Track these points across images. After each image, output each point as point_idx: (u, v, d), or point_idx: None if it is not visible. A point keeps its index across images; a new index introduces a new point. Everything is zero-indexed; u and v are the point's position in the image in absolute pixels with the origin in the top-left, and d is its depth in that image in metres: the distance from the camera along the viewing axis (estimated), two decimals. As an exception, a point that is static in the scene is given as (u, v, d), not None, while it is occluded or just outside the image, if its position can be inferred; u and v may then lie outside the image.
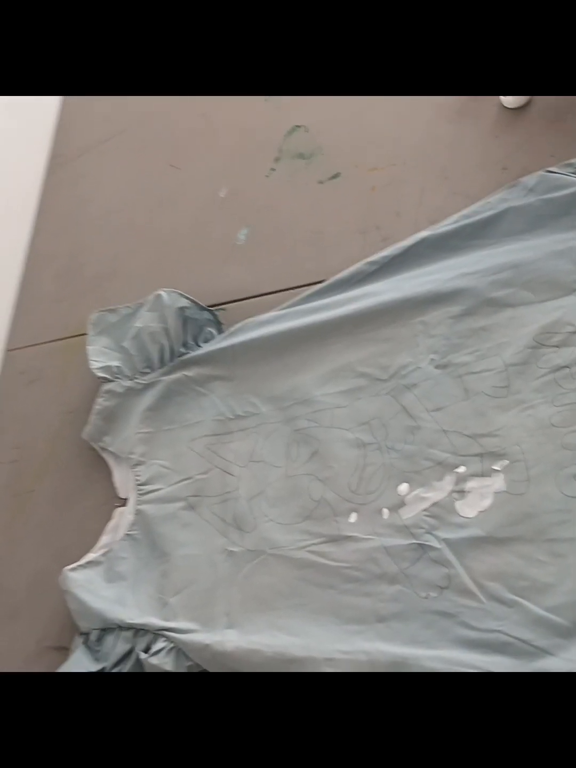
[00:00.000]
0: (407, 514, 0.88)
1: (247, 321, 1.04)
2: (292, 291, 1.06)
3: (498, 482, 0.85)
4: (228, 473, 0.99)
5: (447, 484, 0.88)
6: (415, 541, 0.86)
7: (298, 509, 0.94)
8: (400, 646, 0.83)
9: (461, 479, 0.87)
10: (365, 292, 0.98)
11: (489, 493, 0.85)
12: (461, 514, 0.86)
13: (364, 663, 0.83)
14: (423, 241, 0.97)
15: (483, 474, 0.86)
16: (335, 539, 0.91)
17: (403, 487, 0.90)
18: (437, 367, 0.92)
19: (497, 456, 0.86)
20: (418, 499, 0.88)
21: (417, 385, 0.92)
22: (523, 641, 0.78)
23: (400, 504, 0.89)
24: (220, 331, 1.05)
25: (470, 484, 0.86)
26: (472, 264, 0.93)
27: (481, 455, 0.87)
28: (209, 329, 1.05)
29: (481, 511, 0.85)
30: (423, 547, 0.86)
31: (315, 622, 0.88)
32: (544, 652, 0.77)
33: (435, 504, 0.87)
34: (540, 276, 0.89)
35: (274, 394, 1.00)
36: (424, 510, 0.87)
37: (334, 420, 0.96)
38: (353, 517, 0.91)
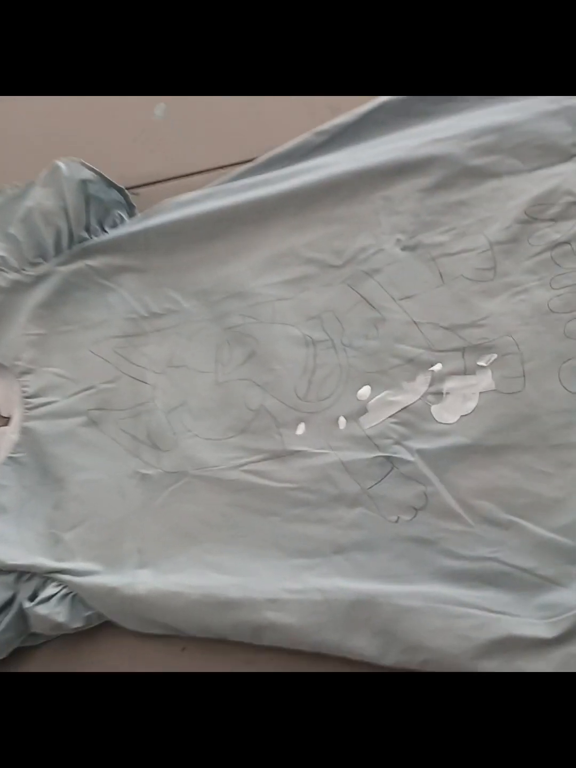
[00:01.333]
0: (370, 423, 0.70)
1: (165, 201, 0.84)
2: (220, 171, 0.86)
3: (485, 380, 0.69)
4: (141, 381, 0.79)
5: (420, 385, 0.71)
6: (380, 455, 0.69)
7: (230, 421, 0.75)
8: (366, 581, 0.65)
9: (438, 379, 0.70)
10: (313, 165, 0.80)
11: (473, 393, 0.69)
12: (439, 420, 0.69)
13: (319, 604, 0.65)
14: (383, 106, 0.80)
15: (466, 372, 0.70)
16: (279, 456, 0.72)
17: (365, 391, 0.72)
18: (404, 249, 0.75)
19: (483, 350, 0.70)
20: (383, 404, 0.71)
21: (380, 270, 0.75)
22: (525, 570, 0.62)
23: (360, 411, 0.71)
24: (131, 215, 0.85)
25: (450, 385, 0.70)
26: (447, 129, 0.77)
27: (462, 349, 0.70)
28: (118, 212, 0.85)
29: (464, 416, 0.69)
30: (391, 461, 0.68)
31: (254, 557, 0.69)
32: (551, 582, 0.61)
33: (405, 409, 0.70)
34: (530, 140, 0.73)
35: (200, 288, 0.81)
36: (392, 417, 0.70)
37: (275, 315, 0.77)
38: (301, 429, 0.72)
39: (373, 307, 0.75)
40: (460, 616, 0.62)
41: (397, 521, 0.67)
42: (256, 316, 0.78)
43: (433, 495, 0.67)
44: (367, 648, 0.64)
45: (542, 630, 0.60)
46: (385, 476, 0.69)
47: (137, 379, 0.79)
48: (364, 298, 0.75)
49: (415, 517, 0.67)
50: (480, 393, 0.69)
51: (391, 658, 0.63)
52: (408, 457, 0.69)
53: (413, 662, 0.62)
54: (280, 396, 0.74)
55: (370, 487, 0.69)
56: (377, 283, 0.75)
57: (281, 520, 0.70)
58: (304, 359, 0.75)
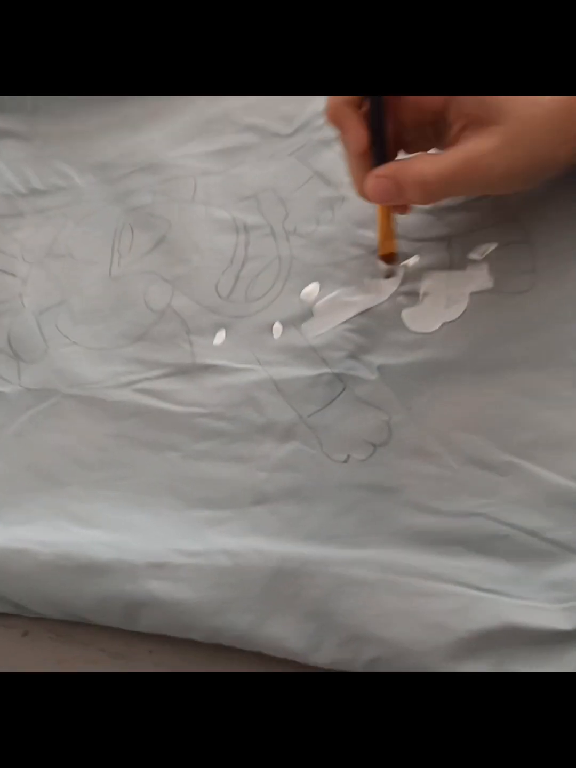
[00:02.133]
0: (316, 330, 0.50)
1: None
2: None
3: (479, 278, 0.49)
4: (7, 273, 0.57)
5: (388, 282, 0.50)
6: (328, 371, 0.49)
7: (124, 326, 0.54)
8: (296, 542, 0.44)
9: (413, 275, 0.51)
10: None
11: (461, 295, 0.49)
12: (412, 327, 0.49)
13: (225, 573, 0.44)
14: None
15: (451, 266, 0.50)
16: (186, 371, 0.52)
17: (311, 289, 0.52)
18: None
19: (477, 238, 0.50)
20: (335, 305, 0.51)
21: None
22: (528, 532, 0.42)
23: (303, 315, 0.51)
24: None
25: (429, 283, 0.50)
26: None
27: (448, 238, 0.51)
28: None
29: (447, 323, 0.49)
30: (342, 380, 0.48)
31: (138, 507, 0.48)
32: (565, 549, 0.41)
33: (366, 313, 0.50)
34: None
35: (101, 160, 0.61)
36: (347, 323, 0.50)
37: (197, 192, 0.57)
38: (220, 337, 0.52)
39: (330, 184, 0.55)
40: (431, 595, 0.41)
41: (346, 461, 0.47)
42: (170, 194, 0.58)
43: (398, 426, 0.47)
44: (291, 638, 0.43)
45: (553, 618, 0.40)
46: (332, 400, 0.48)
47: (2, 271, 0.57)
48: (319, 174, 0.56)
49: (372, 455, 0.46)
50: (471, 294, 0.49)
51: (326, 655, 0.42)
52: (366, 374, 0.48)
53: (357, 661, 0.42)
54: (196, 295, 0.54)
55: (311, 415, 0.48)
56: (337, 154, 0.55)
57: (182, 456, 0.49)
58: (231, 249, 0.55)
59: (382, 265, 0.50)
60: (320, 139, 0.58)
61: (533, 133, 0.43)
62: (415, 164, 0.44)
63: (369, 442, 0.47)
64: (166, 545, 0.47)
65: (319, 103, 0.59)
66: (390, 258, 0.50)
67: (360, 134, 0.45)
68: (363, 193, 0.46)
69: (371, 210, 0.53)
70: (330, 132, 0.57)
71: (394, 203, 0.46)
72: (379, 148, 0.46)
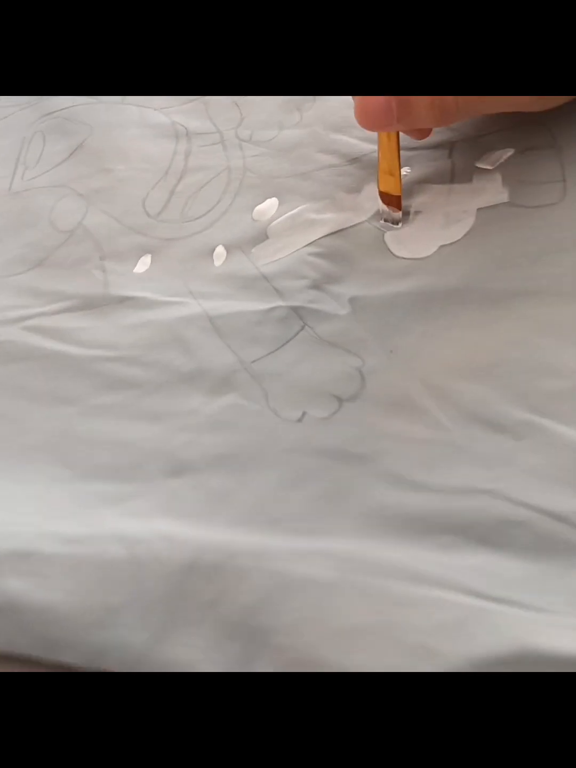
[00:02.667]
0: (270, 255, 0.38)
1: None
2: None
3: (490, 189, 0.37)
4: None
5: (368, 197, 0.38)
6: (282, 305, 0.36)
7: (20, 249, 0.41)
8: (223, 526, 0.31)
9: (405, 189, 0.38)
10: None
11: (465, 211, 0.37)
12: (397, 252, 0.36)
13: (116, 567, 0.30)
14: None
15: (453, 178, 0.38)
16: (95, 305, 0.39)
17: (267, 206, 0.39)
18: None
19: (489, 142, 0.38)
20: (297, 224, 0.38)
21: None
22: (553, 516, 0.29)
23: (255, 237, 0.39)
24: None
25: (424, 199, 0.37)
26: None
27: (450, 145, 0.40)
28: None
29: (445, 246, 0.36)
30: (300, 315, 0.35)
31: (12, 474, 0.35)
32: None
33: (336, 234, 0.37)
34: None
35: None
36: (312, 246, 0.37)
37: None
38: (144, 264, 0.39)
39: (299, 83, 0.42)
40: (413, 604, 0.28)
41: (300, 420, 0.33)
42: (97, 95, 0.45)
43: (374, 374, 0.34)
44: (203, 662, 0.28)
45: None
46: (287, 341, 0.35)
47: None
48: (285, 72, 0.42)
49: (336, 412, 0.33)
50: (479, 209, 0.36)
51: (255, 688, 0.28)
52: (333, 308, 0.35)
53: (302, 700, 0.27)
54: (116, 211, 0.41)
55: (256, 360, 0.35)
56: (310, 48, 0.43)
57: (78, 412, 0.36)
58: (167, 158, 0.42)
59: (383, 208, 0.38)
60: (290, 34, 0.45)
61: None
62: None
63: (333, 394, 0.34)
64: (38, 527, 0.33)
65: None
66: (390, 200, 0.37)
67: None
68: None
69: (347, 112, 0.40)
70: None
71: (394, 129, 0.34)
72: None
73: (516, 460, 0.31)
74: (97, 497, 0.34)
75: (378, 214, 0.39)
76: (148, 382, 0.37)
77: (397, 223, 0.38)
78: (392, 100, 0.33)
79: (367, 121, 0.34)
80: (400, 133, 0.37)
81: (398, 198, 0.38)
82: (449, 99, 0.33)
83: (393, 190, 0.37)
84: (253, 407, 0.35)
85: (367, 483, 0.32)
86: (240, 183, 0.41)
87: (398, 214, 0.38)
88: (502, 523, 0.30)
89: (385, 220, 0.38)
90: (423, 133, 0.38)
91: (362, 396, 0.34)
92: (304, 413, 0.34)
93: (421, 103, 0.33)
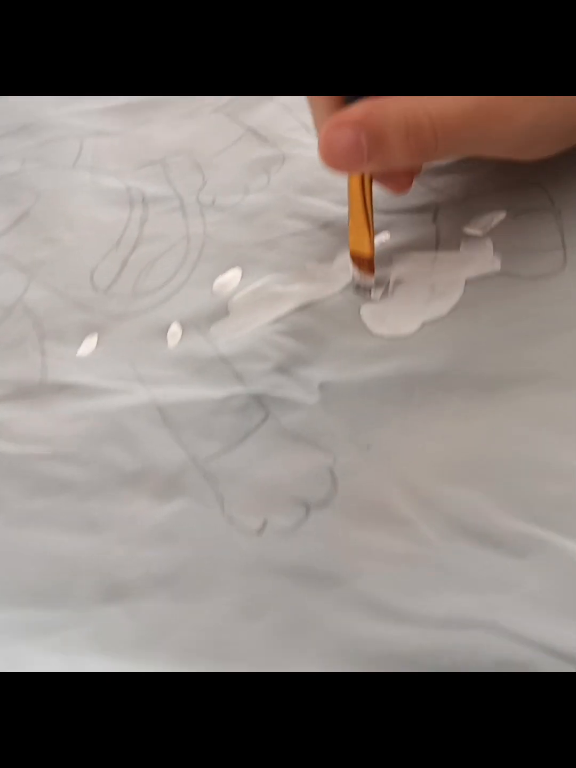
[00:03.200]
0: (230, 333, 0.33)
1: None
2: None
3: (480, 258, 0.32)
4: None
5: (340, 267, 0.33)
6: (243, 391, 0.31)
7: (-48, 329, 0.36)
8: (164, 663, 0.24)
9: (381, 258, 0.33)
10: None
11: (453, 282, 0.32)
12: (374, 330, 0.31)
13: None
14: None
15: (438, 245, 0.34)
16: (29, 392, 0.34)
17: (229, 278, 0.34)
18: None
19: (479, 206, 0.33)
20: (261, 298, 0.34)
21: None
22: (562, 656, 0.22)
23: (215, 313, 0.34)
24: None
25: (405, 268, 0.33)
26: None
27: (434, 207, 0.35)
28: None
29: (430, 323, 0.31)
30: (263, 405, 0.30)
31: None
32: None
33: (306, 309, 0.32)
34: None
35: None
36: (278, 322, 0.32)
37: (82, 157, 0.41)
38: (89, 345, 0.34)
39: (267, 142, 0.38)
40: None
41: (260, 531, 0.28)
42: (44, 160, 0.41)
43: (348, 475, 0.29)
44: None
45: None
46: (247, 435, 0.30)
47: None
48: (253, 131, 0.39)
49: (302, 522, 0.28)
50: (467, 280, 0.32)
51: None
52: (301, 396, 0.30)
53: None
54: (60, 285, 0.37)
55: (210, 458, 0.30)
56: (281, 105, 0.39)
57: (3, 520, 0.30)
58: (120, 226, 0.38)
59: (354, 271, 0.33)
60: (259, 90, 0.41)
61: None
62: (402, 102, 0.28)
63: (299, 499, 0.29)
64: None
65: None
66: (361, 262, 0.33)
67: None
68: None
69: (322, 173, 0.36)
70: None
71: (364, 169, 0.29)
72: None
73: (516, 584, 0.26)
74: (16, 628, 0.28)
75: (352, 285, 0.34)
76: (85, 484, 0.32)
77: (369, 291, 0.33)
78: (361, 132, 0.28)
79: (332, 158, 0.29)
80: (376, 186, 0.33)
81: (370, 260, 0.33)
82: (427, 129, 0.29)
83: (364, 249, 0.33)
84: (205, 515, 0.30)
85: (337, 611, 0.27)
86: (199, 253, 0.37)
87: (370, 280, 0.33)
88: (501, 664, 0.24)
89: (358, 287, 0.33)
90: (401, 183, 0.33)
91: (333, 502, 0.29)
92: (264, 523, 0.29)
93: (395, 134, 0.29)
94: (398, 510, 0.28)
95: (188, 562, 0.29)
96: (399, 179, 0.33)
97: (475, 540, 0.27)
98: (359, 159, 0.29)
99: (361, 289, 0.34)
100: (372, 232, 0.33)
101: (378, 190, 0.34)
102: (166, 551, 0.30)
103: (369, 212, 0.32)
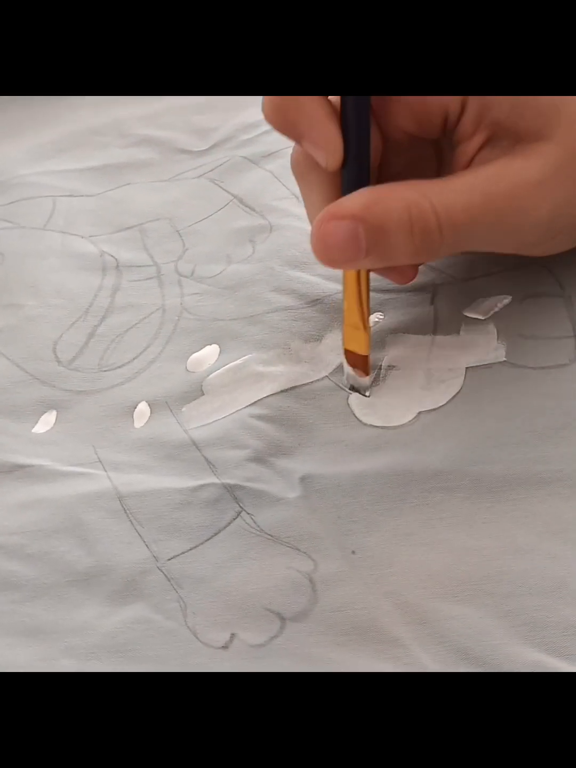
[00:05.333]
0: (203, 416, 0.30)
1: None
2: None
3: (483, 345, 0.30)
4: None
5: (329, 349, 0.30)
6: (214, 482, 0.27)
7: None
8: None
9: (376, 339, 0.31)
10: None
11: (453, 370, 0.29)
12: (365, 418, 0.28)
13: None
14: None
15: (436, 329, 0.32)
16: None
17: (205, 355, 0.32)
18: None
19: (481, 286, 0.31)
20: (239, 378, 0.31)
21: (276, 154, 0.38)
22: None
23: (187, 392, 0.31)
24: None
25: (399, 353, 0.30)
26: None
27: (432, 288, 0.33)
28: None
29: (426, 412, 0.28)
30: (236, 498, 0.27)
31: None
32: None
33: (289, 393, 0.30)
34: None
35: None
36: (254, 406, 0.29)
37: (54, 218, 0.39)
38: (46, 422, 0.32)
39: (254, 211, 0.36)
40: None
41: (226, 646, 0.24)
42: (13, 220, 0.39)
43: (330, 584, 0.26)
44: None
45: None
46: (217, 533, 0.27)
47: None
48: (239, 199, 0.37)
49: (276, 637, 0.24)
50: (468, 369, 0.29)
51: None
52: (280, 490, 0.28)
53: None
54: (19, 356, 0.34)
55: (174, 557, 0.27)
56: (269, 173, 0.37)
57: None
58: (90, 293, 0.35)
59: (349, 371, 0.30)
60: (246, 157, 0.39)
61: None
62: (405, 193, 0.26)
63: (273, 611, 0.26)
64: None
65: (247, 113, 0.41)
66: (356, 360, 0.30)
67: (332, 140, 0.27)
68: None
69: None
70: (262, 147, 0.39)
71: (362, 265, 0.27)
72: (356, 170, 0.27)
73: (524, 724, 0.22)
74: None
75: (341, 372, 0.31)
76: (30, 582, 0.28)
77: (366, 392, 0.30)
78: (360, 226, 0.26)
79: (326, 253, 0.27)
80: (373, 274, 0.30)
81: (366, 359, 0.30)
82: (433, 227, 0.26)
83: (359, 348, 0.30)
84: (165, 625, 0.27)
85: (313, 748, 0.23)
86: (175, 326, 0.34)
87: (366, 380, 0.30)
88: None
89: (352, 388, 0.31)
90: (404, 273, 0.31)
91: (312, 615, 0.26)
92: (232, 636, 0.26)
93: (399, 231, 0.26)
94: (387, 628, 0.25)
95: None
96: (402, 270, 0.31)
97: (475, 665, 0.24)
98: (356, 255, 0.26)
99: (355, 389, 0.31)
100: (368, 330, 0.30)
101: None
102: (117, 666, 0.26)
103: (365, 308, 0.29)
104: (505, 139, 0.27)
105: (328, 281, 0.34)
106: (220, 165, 0.40)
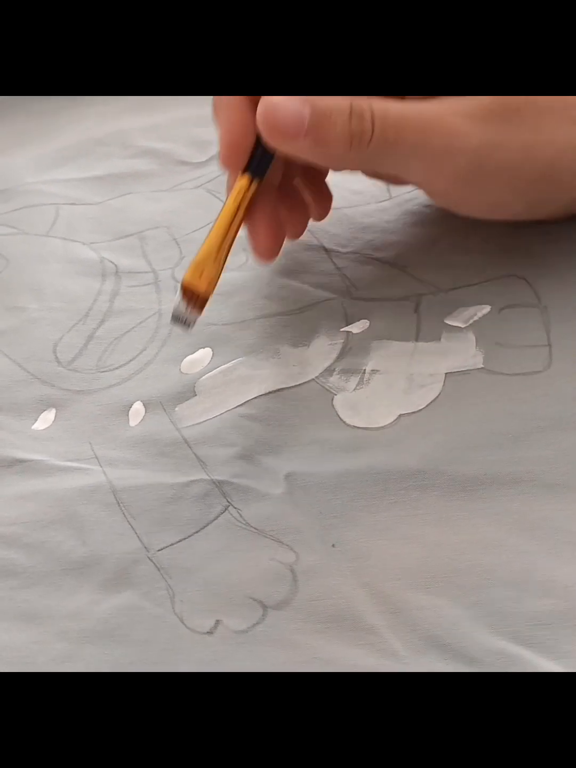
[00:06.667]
0: (195, 416, 0.31)
1: None
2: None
3: (462, 352, 0.32)
4: None
5: (318, 354, 0.32)
6: (203, 478, 0.29)
7: None
8: None
9: (358, 347, 0.33)
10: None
11: (432, 375, 0.31)
12: (347, 420, 0.30)
13: None
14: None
15: (418, 336, 0.33)
16: (-21, 467, 0.32)
17: (198, 357, 0.33)
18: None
19: (462, 297, 0.33)
20: (230, 381, 0.32)
21: None
22: None
23: (180, 393, 0.33)
24: None
25: (381, 358, 0.32)
26: None
27: (417, 298, 0.35)
28: None
29: (405, 416, 0.30)
30: (224, 493, 0.29)
31: None
32: None
33: (276, 394, 0.31)
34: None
35: None
36: (244, 406, 0.31)
37: (57, 225, 0.41)
38: (45, 419, 0.33)
39: (249, 221, 0.37)
40: None
41: (211, 631, 0.26)
42: (17, 226, 0.41)
43: (310, 575, 0.27)
44: None
45: None
46: (205, 526, 0.29)
47: None
48: (235, 209, 0.38)
49: (258, 623, 0.26)
50: (447, 374, 0.30)
51: None
52: (265, 486, 0.29)
53: None
54: (20, 356, 0.36)
55: (164, 548, 0.28)
56: (265, 184, 0.39)
57: None
58: (90, 298, 0.37)
59: (179, 300, 0.31)
60: (244, 168, 0.41)
61: (543, 112, 0.30)
62: (350, 97, 0.28)
63: (255, 599, 0.27)
64: None
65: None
66: (193, 298, 0.31)
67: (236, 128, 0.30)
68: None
69: (302, 254, 0.35)
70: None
71: (299, 145, 0.29)
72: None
73: (488, 707, 0.24)
74: None
75: (328, 375, 0.33)
76: (27, 570, 0.30)
77: (186, 324, 0.31)
78: (306, 106, 0.28)
79: (271, 124, 0.28)
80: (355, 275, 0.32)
81: (205, 300, 0.30)
82: (367, 118, 0.28)
83: (202, 284, 0.30)
84: (154, 611, 0.28)
85: (289, 727, 0.24)
86: (170, 330, 0.36)
87: (195, 315, 0.31)
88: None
89: (174, 319, 0.31)
90: (294, 227, 0.34)
91: (293, 603, 0.27)
92: (216, 623, 0.27)
93: (339, 115, 0.28)
94: (363, 616, 0.27)
95: (131, 663, 0.27)
96: (294, 221, 0.33)
97: (445, 655, 0.25)
98: (298, 131, 0.28)
99: (178, 320, 0.31)
100: (220, 267, 0.30)
101: (364, 274, 0.34)
102: (106, 650, 0.28)
103: (230, 241, 0.30)
104: None
105: (317, 289, 0.35)
106: (218, 177, 0.42)
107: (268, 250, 0.32)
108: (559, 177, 0.30)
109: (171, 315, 0.31)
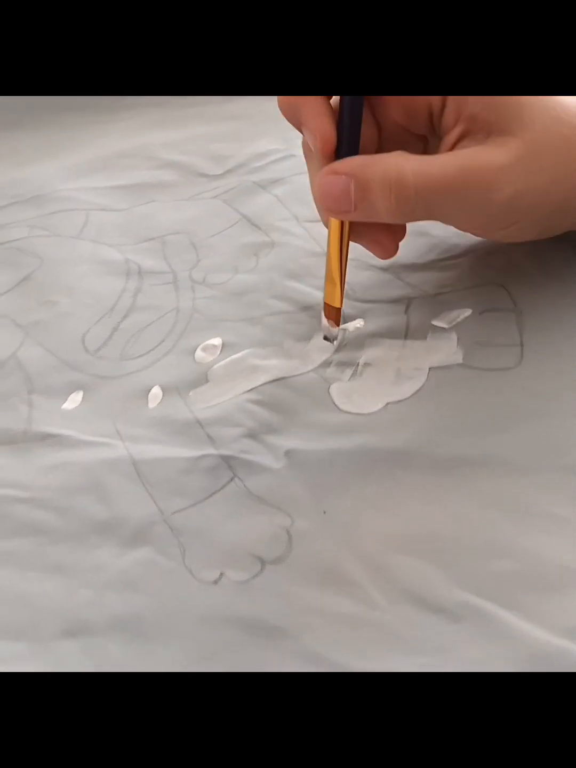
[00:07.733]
0: (207, 400, 0.36)
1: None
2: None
3: (445, 349, 0.36)
4: None
5: (317, 348, 0.37)
6: (213, 453, 0.34)
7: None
8: None
9: (353, 342, 0.37)
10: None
11: (418, 369, 0.35)
12: (342, 406, 0.34)
13: None
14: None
15: (407, 334, 0.38)
16: (13, 440, 0.38)
17: (211, 346, 0.37)
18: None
19: (447, 301, 0.37)
20: (239, 369, 0.37)
21: (282, 181, 0.46)
22: None
23: (195, 380, 0.37)
24: None
25: (374, 352, 0.36)
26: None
27: (407, 301, 0.39)
28: None
29: (393, 404, 0.34)
30: (230, 466, 0.33)
31: None
32: None
33: (279, 382, 0.36)
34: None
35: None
36: (252, 392, 0.35)
37: (86, 229, 0.45)
38: (75, 400, 0.38)
39: (259, 229, 0.42)
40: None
41: (216, 582, 0.31)
42: (51, 229, 0.45)
43: (304, 537, 0.31)
44: None
45: None
46: (213, 493, 0.33)
47: None
48: (247, 218, 0.43)
49: (257, 575, 0.30)
50: (431, 369, 0.35)
51: None
52: (268, 461, 0.34)
53: None
54: (53, 345, 0.40)
55: (177, 512, 0.32)
56: (275, 197, 0.44)
57: None
58: (115, 295, 0.42)
59: (324, 322, 0.36)
60: (256, 182, 0.45)
61: (558, 154, 0.33)
62: (389, 159, 0.32)
63: (255, 555, 0.32)
64: None
65: (259, 144, 0.47)
66: (331, 313, 0.36)
67: (325, 128, 0.33)
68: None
69: (306, 260, 0.40)
70: (270, 175, 0.46)
71: (352, 216, 0.33)
72: (349, 152, 0.34)
73: (452, 647, 0.28)
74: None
75: (326, 367, 0.37)
76: (57, 530, 0.34)
77: (333, 341, 0.37)
78: (350, 182, 0.32)
79: (326, 202, 0.33)
80: (361, 269, 0.38)
81: (338, 311, 0.36)
82: (408, 185, 0.32)
83: (334, 302, 0.36)
84: (167, 565, 0.32)
85: (282, 662, 0.29)
86: (187, 324, 0.40)
87: (335, 331, 0.36)
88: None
89: (325, 338, 0.37)
90: (385, 247, 0.37)
91: (288, 560, 0.32)
92: (221, 574, 0.32)
93: (380, 188, 0.32)
94: (348, 572, 0.31)
95: (146, 608, 0.31)
96: (383, 243, 0.36)
97: (418, 605, 0.30)
98: (348, 206, 0.33)
99: (327, 341, 0.37)
100: (343, 287, 0.36)
101: (362, 279, 0.39)
102: (126, 596, 0.32)
103: (343, 269, 0.35)
104: (479, 132, 0.33)
105: (319, 291, 0.40)
106: (233, 188, 0.46)
107: (385, 253, 0.37)
108: (570, 206, 0.35)
109: (323, 336, 0.37)
